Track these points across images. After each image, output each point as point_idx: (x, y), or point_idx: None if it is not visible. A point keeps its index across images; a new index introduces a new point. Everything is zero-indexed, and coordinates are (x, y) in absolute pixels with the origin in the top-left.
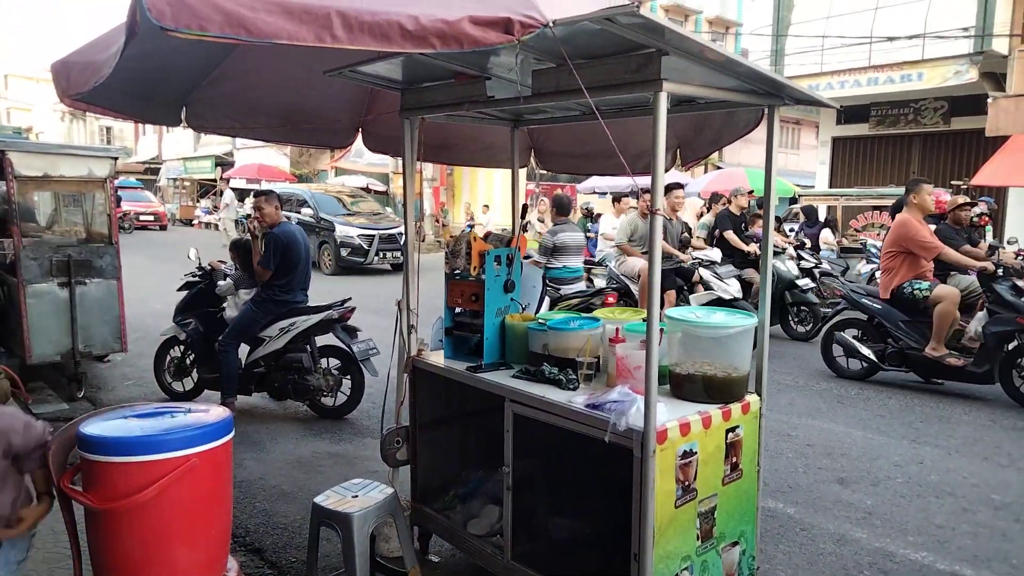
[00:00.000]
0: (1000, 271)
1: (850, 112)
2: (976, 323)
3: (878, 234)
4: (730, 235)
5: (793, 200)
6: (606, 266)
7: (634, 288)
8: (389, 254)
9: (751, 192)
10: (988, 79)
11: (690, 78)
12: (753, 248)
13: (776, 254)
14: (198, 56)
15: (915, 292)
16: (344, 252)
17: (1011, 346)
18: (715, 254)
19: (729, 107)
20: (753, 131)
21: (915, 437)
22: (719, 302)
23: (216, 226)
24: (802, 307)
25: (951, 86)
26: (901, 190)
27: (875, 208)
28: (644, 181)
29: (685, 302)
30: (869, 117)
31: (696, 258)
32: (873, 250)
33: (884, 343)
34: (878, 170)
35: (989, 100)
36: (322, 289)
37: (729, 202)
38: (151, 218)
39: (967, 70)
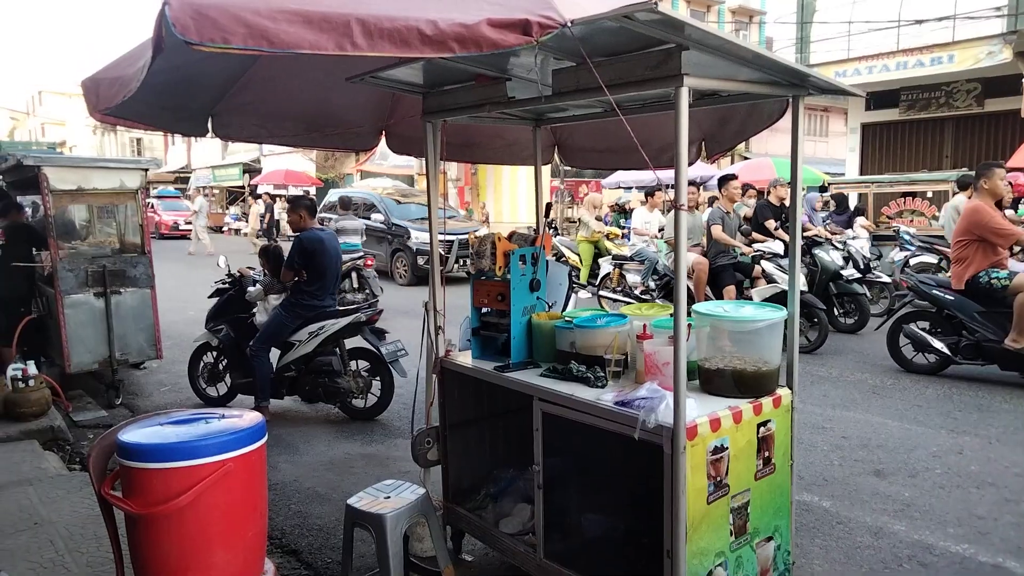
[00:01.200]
0: None
1: (879, 98)
2: None
3: (911, 220)
4: (771, 224)
5: (823, 188)
6: (638, 260)
7: (690, 283)
8: (469, 261)
9: (820, 187)
10: (1022, 59)
11: (712, 71)
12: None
13: (819, 244)
14: (223, 67)
15: (993, 281)
16: (421, 261)
17: None
18: (778, 246)
19: (752, 99)
20: (778, 121)
21: (953, 427)
22: (783, 296)
23: (243, 232)
24: (847, 298)
25: (984, 67)
26: (934, 175)
27: (907, 195)
28: (668, 175)
29: (747, 297)
30: (899, 102)
31: (758, 250)
32: (906, 237)
33: (958, 335)
34: (910, 156)
35: None
36: (397, 300)
37: (762, 193)
38: (191, 227)
39: (1000, 50)
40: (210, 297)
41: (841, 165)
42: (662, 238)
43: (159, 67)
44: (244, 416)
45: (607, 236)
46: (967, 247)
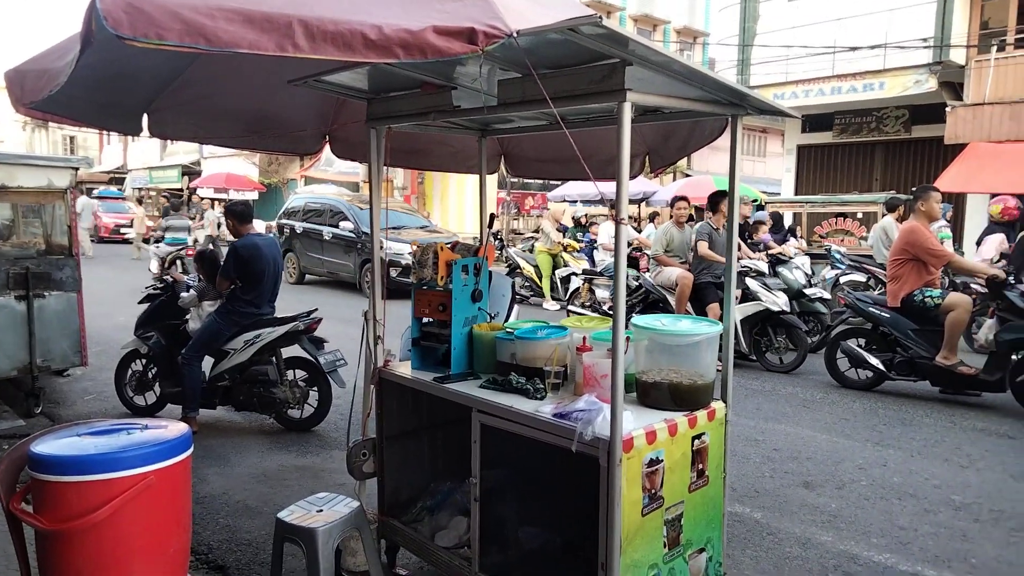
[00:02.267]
0: (1011, 279)
1: (815, 120)
2: (987, 330)
3: (842, 240)
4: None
5: (759, 207)
6: (608, 275)
7: (671, 299)
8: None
9: (754, 201)
10: (947, 88)
11: (655, 88)
12: (761, 256)
13: (783, 262)
14: (160, 63)
15: (926, 300)
16: (393, 272)
17: (1022, 354)
18: (763, 264)
19: (694, 116)
20: (719, 139)
21: (879, 440)
22: (767, 314)
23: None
24: (810, 316)
25: (911, 95)
26: (865, 197)
27: (839, 215)
28: (611, 188)
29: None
30: (833, 125)
31: (744, 267)
32: (837, 256)
33: (892, 352)
34: (842, 177)
35: (948, 109)
36: (340, 309)
37: (701, 210)
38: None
39: (926, 79)
40: (140, 303)
41: (778, 185)
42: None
43: (90, 61)
44: (169, 427)
45: (565, 248)
46: (903, 266)
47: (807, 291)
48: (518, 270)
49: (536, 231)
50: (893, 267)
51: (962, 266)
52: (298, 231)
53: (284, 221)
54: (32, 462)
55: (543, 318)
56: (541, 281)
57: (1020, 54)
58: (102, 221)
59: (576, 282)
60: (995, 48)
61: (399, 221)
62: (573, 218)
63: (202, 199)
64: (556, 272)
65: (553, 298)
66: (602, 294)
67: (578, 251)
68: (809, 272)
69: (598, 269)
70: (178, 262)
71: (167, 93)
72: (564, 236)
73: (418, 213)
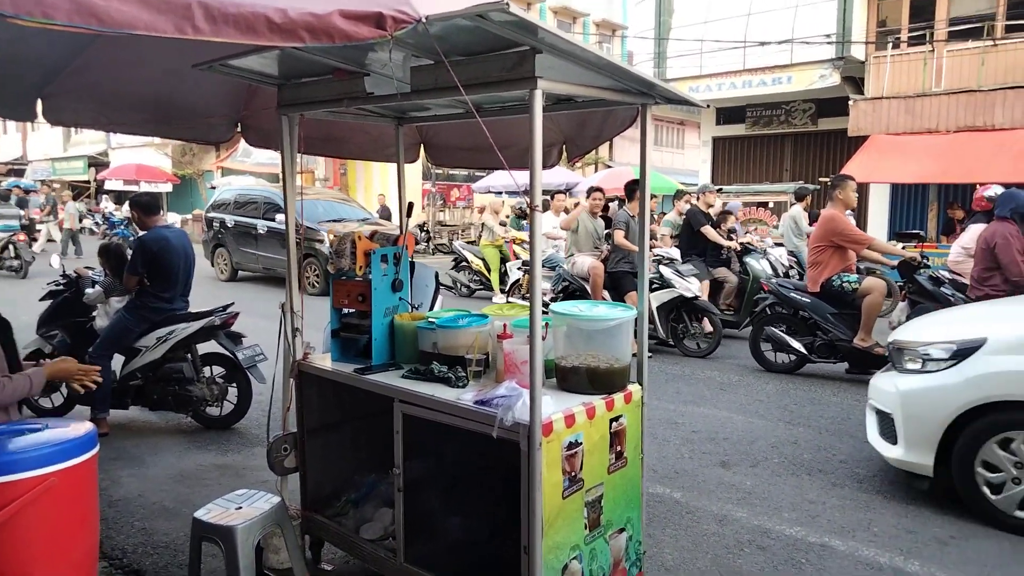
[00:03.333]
0: (926, 260)
1: (728, 113)
2: (899, 312)
3: (756, 229)
4: (708, 230)
5: (677, 195)
6: (548, 266)
7: (588, 287)
8: (329, 261)
9: (719, 190)
10: (849, 83)
11: (566, 77)
12: (733, 244)
13: (748, 252)
14: (54, 45)
15: (844, 285)
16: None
17: None
18: (675, 252)
19: (605, 105)
20: (631, 128)
21: (790, 419)
22: (681, 301)
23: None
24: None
25: (817, 89)
26: (775, 187)
27: (754, 204)
28: (525, 177)
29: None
30: (745, 118)
31: (656, 255)
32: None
33: (813, 336)
34: (755, 168)
35: (850, 102)
36: (258, 303)
37: (622, 201)
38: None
39: (830, 74)
40: (42, 300)
41: (695, 176)
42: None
43: None
44: (72, 426)
45: (514, 241)
46: (822, 252)
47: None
48: (464, 263)
49: (472, 225)
50: (813, 254)
51: (883, 248)
52: (229, 225)
53: (213, 215)
54: None
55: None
56: (490, 274)
57: (913, 51)
58: None
59: (516, 274)
60: (891, 45)
61: (339, 213)
62: (513, 208)
63: (53, 189)
64: (507, 264)
65: (502, 291)
66: (543, 285)
67: (525, 243)
68: (785, 264)
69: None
70: (10, 246)
71: (63, 77)
72: (506, 229)
73: (356, 204)
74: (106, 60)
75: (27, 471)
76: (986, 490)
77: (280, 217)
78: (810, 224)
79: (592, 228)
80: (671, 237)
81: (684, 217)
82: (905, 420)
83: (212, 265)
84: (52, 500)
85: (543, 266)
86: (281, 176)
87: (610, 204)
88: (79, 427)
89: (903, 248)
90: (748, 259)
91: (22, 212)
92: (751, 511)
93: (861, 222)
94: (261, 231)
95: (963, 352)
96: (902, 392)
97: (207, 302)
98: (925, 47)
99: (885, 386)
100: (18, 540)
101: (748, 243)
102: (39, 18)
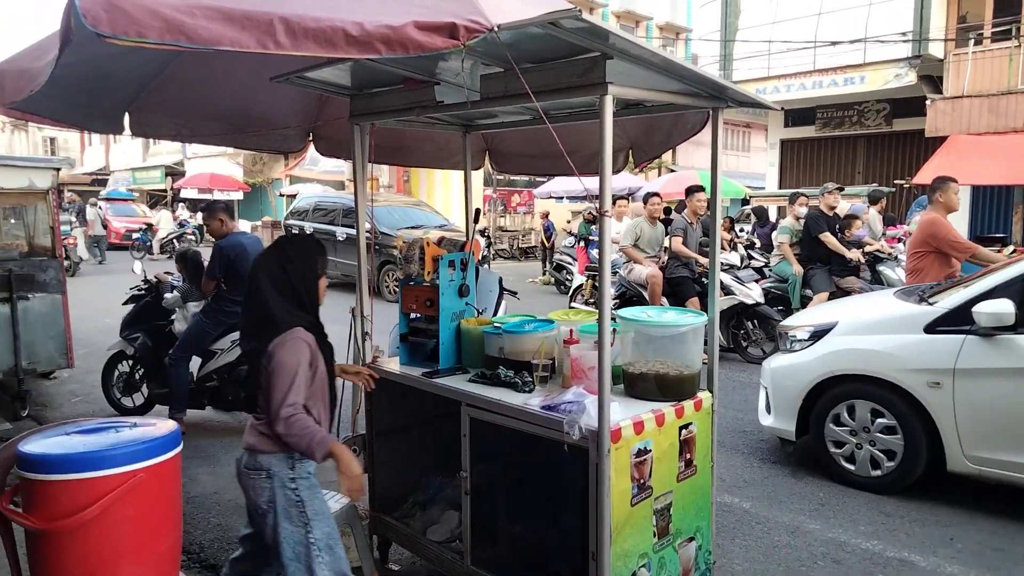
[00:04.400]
0: None
1: (797, 115)
2: None
3: None
4: (828, 237)
5: (744, 201)
6: (615, 272)
7: (646, 294)
8: (399, 266)
9: (840, 188)
10: (926, 82)
11: (636, 81)
12: (856, 254)
13: (881, 260)
14: (140, 62)
15: None
16: None
17: None
18: (733, 257)
19: (675, 110)
20: (702, 133)
21: None
22: (742, 307)
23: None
24: None
25: (892, 88)
26: (848, 190)
27: None
28: (595, 183)
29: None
30: (815, 119)
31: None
32: None
33: None
34: (825, 171)
35: (928, 102)
36: (326, 308)
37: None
38: (192, 237)
39: (906, 73)
40: (125, 304)
41: (762, 179)
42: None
43: (70, 60)
44: (158, 424)
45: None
46: (923, 259)
47: None
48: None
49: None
50: (912, 260)
51: (987, 258)
52: (308, 232)
53: (292, 222)
54: (20, 461)
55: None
56: None
57: (997, 47)
58: (111, 226)
59: (579, 279)
60: (972, 42)
61: (417, 220)
62: (583, 214)
63: (79, 196)
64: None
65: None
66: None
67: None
68: (758, 262)
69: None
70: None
71: (148, 92)
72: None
73: (431, 210)
74: (187, 75)
75: (117, 467)
76: (834, 450)
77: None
78: (885, 228)
79: (652, 235)
80: (790, 245)
81: (803, 222)
82: (774, 392)
83: None
84: (140, 495)
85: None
86: (352, 184)
87: (673, 210)
88: (164, 426)
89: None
90: (881, 267)
91: (73, 219)
92: (825, 523)
93: None
94: (340, 238)
95: (819, 334)
96: (772, 369)
97: None
98: (1011, 43)
99: (765, 366)
100: (108, 533)
101: (879, 250)
102: (133, 37)
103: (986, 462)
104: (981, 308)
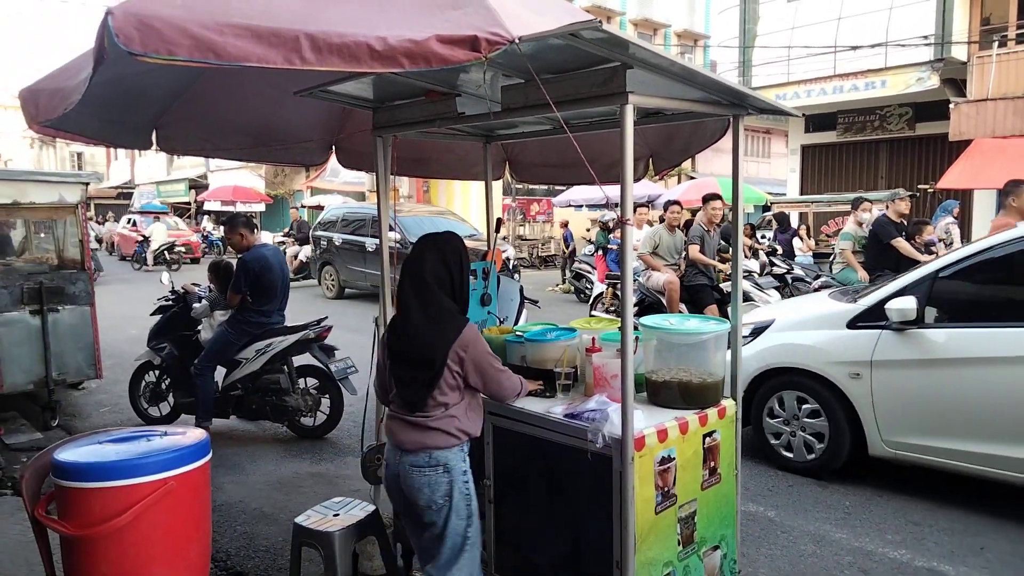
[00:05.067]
0: None
1: (818, 120)
2: None
3: None
4: (901, 243)
5: (765, 208)
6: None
7: (664, 300)
8: None
9: (912, 195)
10: (949, 85)
11: (656, 90)
12: (930, 260)
13: None
14: (168, 79)
15: None
16: None
17: None
18: (753, 264)
19: (695, 118)
20: (721, 140)
21: None
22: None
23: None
24: None
25: (914, 92)
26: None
27: (844, 214)
28: (615, 192)
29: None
30: (836, 124)
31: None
32: None
33: None
34: (847, 176)
35: (951, 106)
36: (347, 318)
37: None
38: (182, 249)
39: (928, 77)
40: (152, 314)
41: (783, 185)
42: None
43: (101, 79)
44: (187, 433)
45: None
46: None
47: None
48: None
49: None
50: None
51: None
52: (337, 243)
53: (320, 233)
54: (55, 469)
55: None
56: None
57: (1022, 49)
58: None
59: (599, 287)
60: (996, 44)
61: (444, 229)
62: (600, 223)
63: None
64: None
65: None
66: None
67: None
68: (780, 268)
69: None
70: None
71: (175, 108)
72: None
73: (459, 219)
74: (212, 91)
75: (149, 475)
76: (774, 441)
77: (390, 235)
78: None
79: (671, 243)
80: (853, 252)
81: (868, 229)
82: None
83: (319, 283)
84: (171, 503)
85: (636, 280)
86: (375, 195)
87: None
88: (194, 434)
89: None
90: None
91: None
92: (851, 532)
93: (966, 230)
94: (369, 248)
95: (758, 330)
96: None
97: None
98: None
99: None
100: (140, 540)
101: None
102: (164, 55)
103: (901, 446)
104: (891, 305)
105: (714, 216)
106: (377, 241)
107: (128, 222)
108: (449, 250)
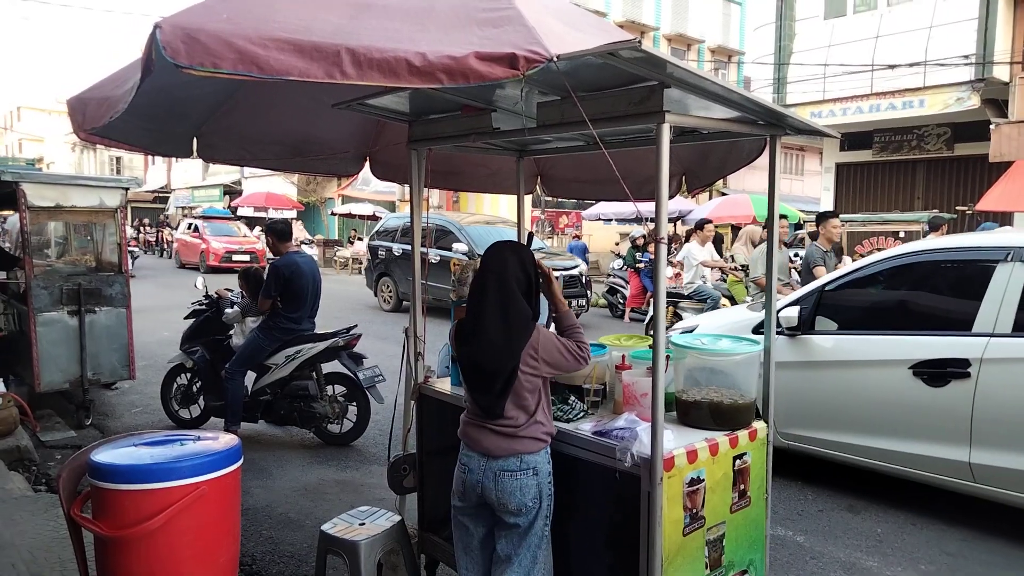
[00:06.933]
0: None
1: (853, 139)
2: None
3: None
4: (820, 271)
5: (798, 226)
6: (698, 299)
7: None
8: (574, 302)
9: (951, 216)
10: (990, 105)
11: (692, 109)
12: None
13: None
14: (210, 89)
15: None
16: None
17: None
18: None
19: (731, 137)
20: (756, 159)
21: None
22: None
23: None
24: None
25: (953, 112)
26: (907, 216)
27: (879, 234)
28: (648, 208)
29: None
30: (872, 143)
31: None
32: None
33: None
34: (882, 196)
35: (992, 126)
36: (376, 326)
37: (737, 229)
38: (246, 258)
39: (968, 97)
40: (186, 318)
41: (816, 204)
42: (748, 277)
43: (146, 88)
44: (219, 438)
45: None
46: None
47: None
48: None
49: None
50: None
51: None
52: (396, 254)
53: (378, 243)
54: (92, 470)
55: None
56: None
57: None
58: (210, 247)
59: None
60: None
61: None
62: (631, 239)
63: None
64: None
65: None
66: (690, 320)
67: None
68: None
69: (685, 292)
70: None
71: (215, 117)
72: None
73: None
74: (251, 102)
75: (182, 479)
76: None
77: (457, 246)
78: None
79: (783, 262)
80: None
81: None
82: None
83: (375, 295)
84: (202, 507)
85: (691, 298)
86: (406, 205)
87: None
88: (226, 439)
89: None
90: None
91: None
92: (883, 560)
93: None
94: (432, 260)
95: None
96: None
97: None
98: None
99: None
100: (172, 543)
101: None
102: (209, 68)
103: (790, 437)
104: (781, 314)
105: (833, 235)
106: (441, 252)
107: (189, 227)
108: (527, 256)
